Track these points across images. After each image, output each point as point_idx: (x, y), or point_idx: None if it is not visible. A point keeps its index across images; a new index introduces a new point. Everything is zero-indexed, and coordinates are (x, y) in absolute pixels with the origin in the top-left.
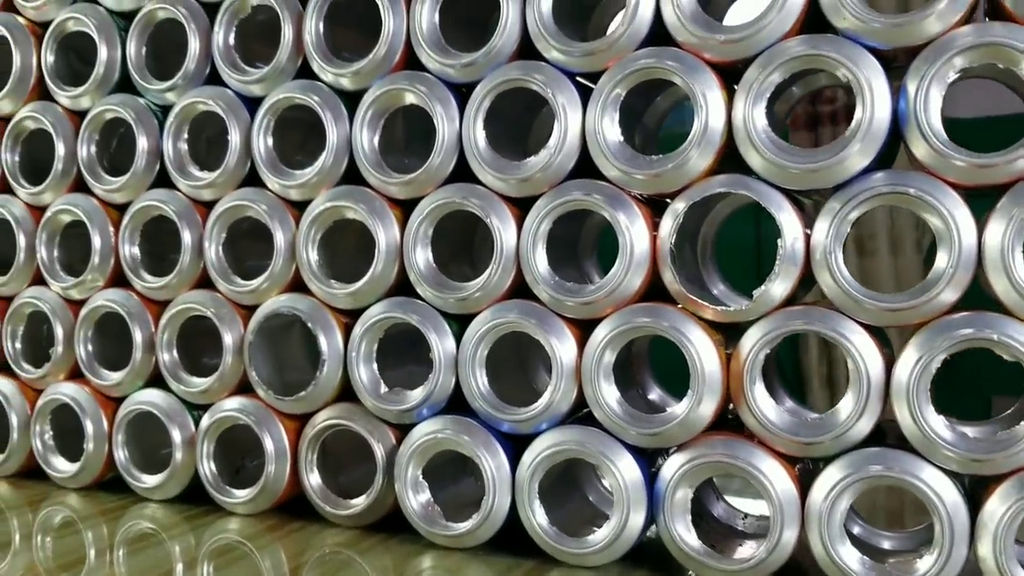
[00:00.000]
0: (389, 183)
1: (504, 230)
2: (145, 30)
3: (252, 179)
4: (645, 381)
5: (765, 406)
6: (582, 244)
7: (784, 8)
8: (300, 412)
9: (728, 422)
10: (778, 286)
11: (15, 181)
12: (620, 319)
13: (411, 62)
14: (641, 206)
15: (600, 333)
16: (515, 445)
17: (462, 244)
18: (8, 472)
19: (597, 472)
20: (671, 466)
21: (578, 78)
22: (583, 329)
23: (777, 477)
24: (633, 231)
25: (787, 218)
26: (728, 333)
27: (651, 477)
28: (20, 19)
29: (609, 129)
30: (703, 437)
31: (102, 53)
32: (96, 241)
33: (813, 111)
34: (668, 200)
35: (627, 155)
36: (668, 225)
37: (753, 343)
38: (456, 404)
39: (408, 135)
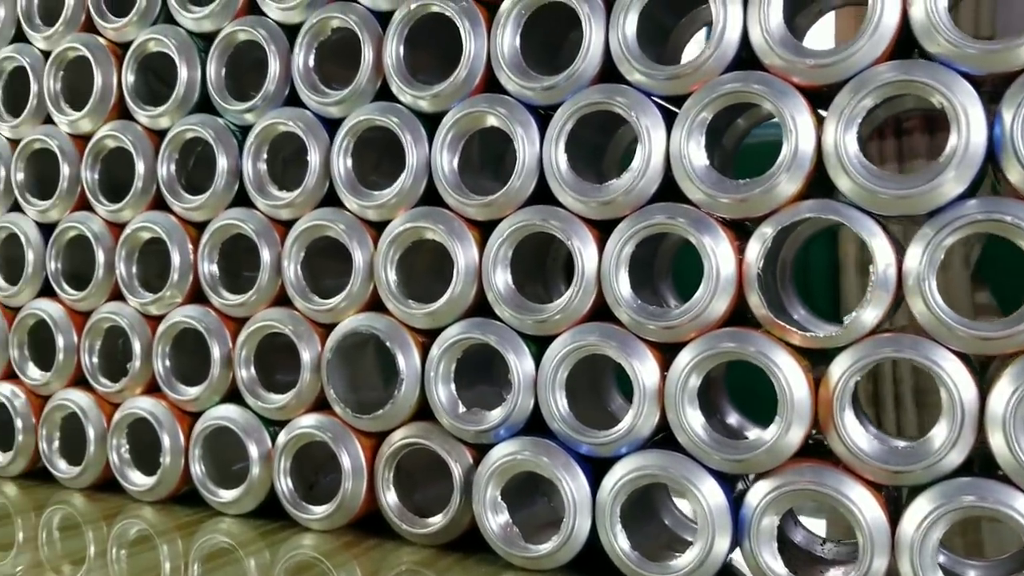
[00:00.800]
0: (468, 204)
1: (585, 252)
2: (225, 51)
3: (328, 199)
4: (723, 406)
5: (855, 433)
6: (657, 266)
7: (876, 33)
8: (376, 430)
9: (808, 448)
10: (869, 313)
11: (94, 198)
12: (705, 344)
13: (489, 85)
14: (726, 229)
15: (685, 358)
16: (592, 467)
17: (535, 265)
18: (84, 485)
19: (671, 496)
20: (757, 492)
21: (655, 100)
22: (664, 352)
23: (867, 505)
24: (719, 255)
25: (879, 244)
26: (812, 359)
27: (733, 502)
28: (100, 40)
29: (695, 153)
30: (790, 464)
31: (182, 74)
32: (175, 258)
33: None
34: (748, 222)
35: (713, 179)
36: (756, 249)
37: (843, 370)
38: (532, 425)
39: (482, 157)
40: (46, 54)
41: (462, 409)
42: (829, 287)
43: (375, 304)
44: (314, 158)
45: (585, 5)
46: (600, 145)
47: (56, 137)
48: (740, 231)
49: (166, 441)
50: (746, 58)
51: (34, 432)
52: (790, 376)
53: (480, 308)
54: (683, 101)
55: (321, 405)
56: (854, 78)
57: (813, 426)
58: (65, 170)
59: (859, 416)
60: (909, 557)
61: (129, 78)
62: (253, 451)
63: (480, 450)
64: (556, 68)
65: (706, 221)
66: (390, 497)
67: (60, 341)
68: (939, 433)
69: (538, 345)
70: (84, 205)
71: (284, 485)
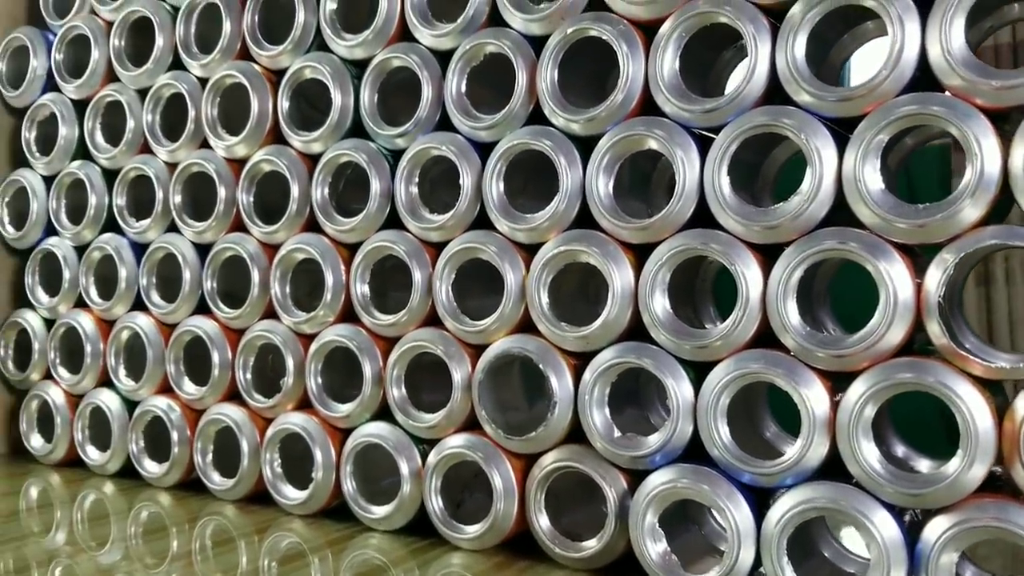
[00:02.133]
0: (624, 228)
1: (748, 277)
2: (378, 78)
3: (477, 221)
4: (889, 437)
5: None
6: (816, 290)
7: None
8: (528, 452)
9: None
10: None
11: (250, 220)
12: (882, 374)
13: (644, 108)
14: (903, 255)
15: (859, 388)
16: (756, 497)
17: (685, 288)
18: (236, 496)
19: (829, 528)
20: (936, 528)
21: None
22: (832, 380)
23: None
24: (895, 281)
25: None
26: (991, 389)
27: (907, 535)
28: (256, 67)
29: (871, 176)
30: (971, 499)
31: (336, 100)
32: (328, 279)
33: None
34: (919, 247)
35: (890, 203)
36: (936, 277)
37: None
38: (685, 452)
39: (631, 178)
40: (203, 81)
41: (617, 434)
42: None
43: (524, 326)
44: (466, 182)
45: (750, 26)
46: (754, 165)
47: (213, 161)
48: (912, 255)
49: (319, 456)
50: (920, 78)
51: (189, 445)
52: (974, 408)
53: (631, 332)
54: (848, 122)
55: (469, 425)
56: None
57: (996, 460)
58: (221, 192)
59: None
60: None
61: (284, 104)
62: (404, 468)
63: (634, 475)
64: (703, 90)
65: (882, 246)
66: (542, 520)
67: (215, 357)
68: None
69: (696, 371)
70: (239, 226)
71: (435, 504)
